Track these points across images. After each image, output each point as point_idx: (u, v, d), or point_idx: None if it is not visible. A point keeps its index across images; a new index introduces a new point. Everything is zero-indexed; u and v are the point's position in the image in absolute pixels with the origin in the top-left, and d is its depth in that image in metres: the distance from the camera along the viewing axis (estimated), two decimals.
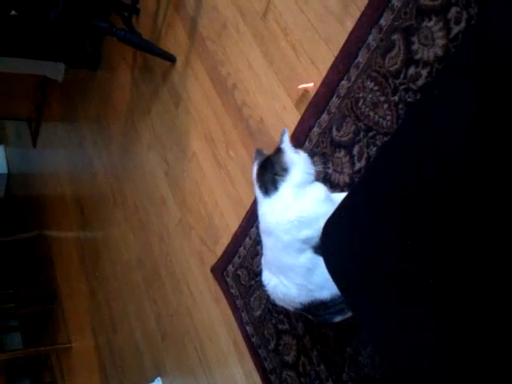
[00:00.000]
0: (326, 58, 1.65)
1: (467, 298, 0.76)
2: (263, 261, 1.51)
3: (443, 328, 0.81)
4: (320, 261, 1.28)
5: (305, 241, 1.28)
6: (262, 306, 1.91)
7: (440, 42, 1.31)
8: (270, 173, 1.36)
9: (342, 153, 1.58)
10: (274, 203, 1.33)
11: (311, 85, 1.68)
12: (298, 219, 1.30)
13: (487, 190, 0.72)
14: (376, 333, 0.97)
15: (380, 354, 1.07)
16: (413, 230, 0.82)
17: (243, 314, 2.00)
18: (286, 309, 1.79)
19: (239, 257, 2.02)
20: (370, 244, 0.90)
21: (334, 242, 0.96)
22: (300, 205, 1.31)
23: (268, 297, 1.86)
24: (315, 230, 1.25)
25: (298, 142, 1.74)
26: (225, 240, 2.12)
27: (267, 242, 1.39)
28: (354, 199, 0.95)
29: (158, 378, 2.61)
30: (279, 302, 1.49)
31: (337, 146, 1.60)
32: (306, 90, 1.71)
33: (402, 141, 0.86)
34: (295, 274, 1.34)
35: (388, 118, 1.43)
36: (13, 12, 2.57)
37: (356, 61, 1.54)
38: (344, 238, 0.94)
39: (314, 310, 1.38)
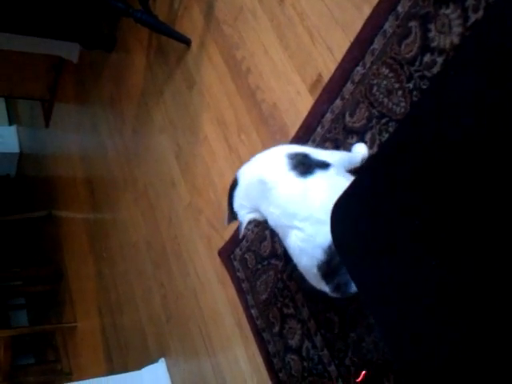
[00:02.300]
0: (341, 43, 1.65)
1: (471, 280, 0.77)
2: (278, 231, 1.52)
3: (447, 308, 0.81)
4: (307, 183, 1.36)
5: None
6: (268, 289, 1.92)
7: (457, 29, 1.31)
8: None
9: (355, 139, 1.58)
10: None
11: None
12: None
13: (499, 171, 0.72)
14: (381, 313, 0.97)
15: (384, 334, 1.07)
16: (422, 210, 0.82)
17: (249, 298, 2.01)
18: (291, 293, 1.80)
19: (247, 241, 2.03)
20: (378, 223, 0.90)
21: (343, 220, 0.96)
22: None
23: (273, 281, 1.88)
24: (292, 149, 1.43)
25: (310, 127, 1.75)
26: (233, 224, 2.12)
27: (267, 195, 1.43)
28: (365, 178, 0.96)
29: (162, 359, 2.63)
30: (303, 260, 1.43)
31: (349, 132, 1.60)
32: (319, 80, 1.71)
33: (416, 121, 0.86)
34: (297, 206, 1.38)
35: (402, 104, 1.43)
36: None
37: (372, 47, 1.53)
38: (353, 216, 0.95)
39: (335, 265, 1.35)
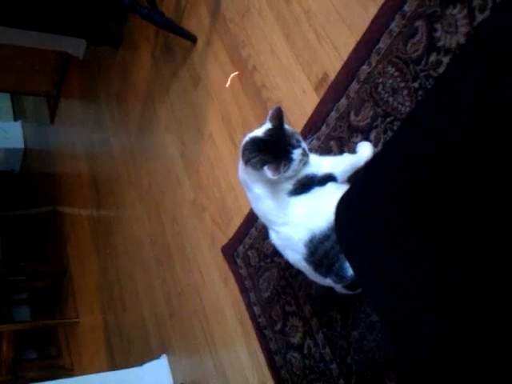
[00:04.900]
0: (347, 42, 1.65)
1: (481, 276, 0.77)
2: (266, 225, 1.54)
3: (454, 306, 0.81)
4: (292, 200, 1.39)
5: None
6: (271, 287, 1.92)
7: (463, 29, 1.31)
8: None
9: (359, 138, 1.58)
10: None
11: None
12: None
13: (502, 169, 0.72)
14: (385, 311, 0.98)
15: (386, 330, 1.08)
16: (428, 207, 0.82)
17: (251, 295, 2.01)
18: (294, 291, 1.81)
19: (250, 238, 2.04)
20: (384, 221, 0.90)
21: (348, 217, 0.97)
22: None
23: (276, 278, 1.89)
24: None
25: (315, 126, 1.75)
26: (236, 221, 2.14)
27: (253, 193, 1.44)
28: (370, 175, 0.96)
29: (164, 355, 2.64)
30: (289, 255, 1.47)
31: (354, 130, 1.60)
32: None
33: (419, 120, 0.87)
34: (275, 216, 1.43)
35: (407, 104, 1.43)
36: None
37: (377, 46, 1.54)
38: (358, 214, 0.95)
39: (322, 255, 1.36)
